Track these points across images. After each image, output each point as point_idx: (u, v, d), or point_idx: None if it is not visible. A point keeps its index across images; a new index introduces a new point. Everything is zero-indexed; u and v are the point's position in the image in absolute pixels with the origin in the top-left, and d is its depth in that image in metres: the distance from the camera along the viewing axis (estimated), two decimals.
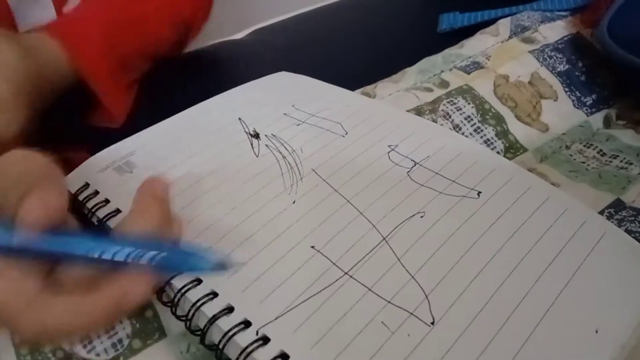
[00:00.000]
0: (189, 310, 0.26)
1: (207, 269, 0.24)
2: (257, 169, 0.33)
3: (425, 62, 0.44)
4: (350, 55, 0.51)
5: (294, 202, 0.30)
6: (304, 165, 0.33)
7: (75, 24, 0.42)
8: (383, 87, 0.42)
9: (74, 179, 0.32)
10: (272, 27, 0.62)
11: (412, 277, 0.26)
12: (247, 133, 0.36)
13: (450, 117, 0.38)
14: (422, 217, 0.29)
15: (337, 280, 0.26)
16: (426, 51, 0.45)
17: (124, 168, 0.33)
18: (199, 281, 0.27)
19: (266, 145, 0.35)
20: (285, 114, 0.37)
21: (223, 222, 0.30)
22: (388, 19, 0.58)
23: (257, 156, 0.34)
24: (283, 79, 0.42)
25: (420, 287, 0.26)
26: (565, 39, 0.44)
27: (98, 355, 0.27)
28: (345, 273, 0.27)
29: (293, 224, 0.29)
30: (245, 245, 0.28)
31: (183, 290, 0.26)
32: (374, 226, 0.29)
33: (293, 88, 0.40)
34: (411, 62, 0.45)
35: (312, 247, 0.28)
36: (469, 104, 0.39)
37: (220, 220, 0.30)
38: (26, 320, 0.22)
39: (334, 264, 0.27)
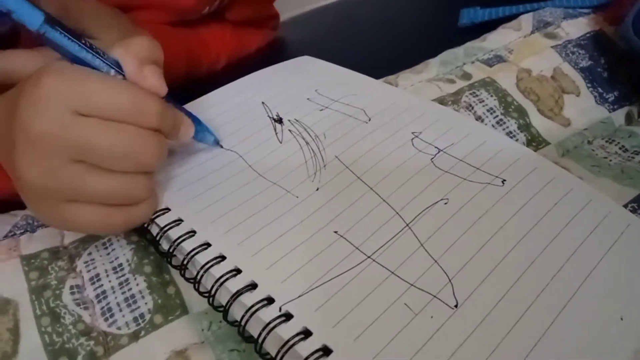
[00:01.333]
0: (212, 287, 0.26)
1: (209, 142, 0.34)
2: (281, 155, 0.33)
3: (447, 54, 0.44)
4: (371, 47, 0.51)
5: (317, 189, 0.30)
6: (327, 151, 0.33)
7: None
8: (405, 78, 0.42)
9: None
10: (294, 20, 0.62)
11: (436, 261, 0.26)
12: (270, 117, 0.36)
13: (472, 108, 0.38)
14: (445, 203, 0.29)
15: (360, 263, 0.26)
16: (446, 45, 0.45)
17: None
18: (223, 258, 0.27)
19: (289, 130, 0.35)
20: (308, 98, 0.37)
21: (247, 206, 0.30)
22: (407, 13, 0.58)
23: (281, 142, 0.34)
24: (306, 63, 0.42)
25: (444, 271, 0.26)
26: (587, 35, 0.44)
27: (119, 328, 0.27)
28: (368, 257, 0.27)
29: (316, 210, 0.29)
30: (269, 227, 0.28)
31: (206, 267, 0.26)
32: (397, 213, 0.29)
33: (316, 73, 0.40)
34: (431, 55, 0.44)
35: (335, 232, 0.28)
36: (491, 96, 0.39)
37: (244, 204, 0.30)
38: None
39: (356, 248, 0.27)
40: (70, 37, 0.27)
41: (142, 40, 0.28)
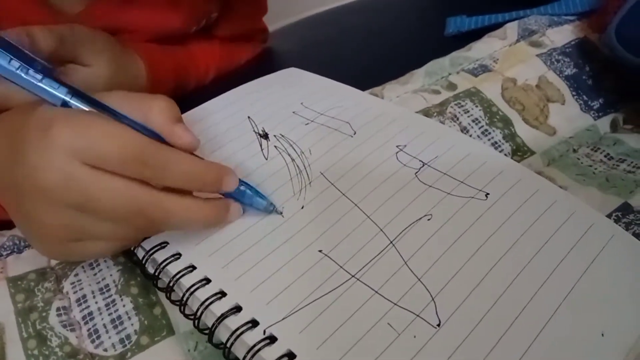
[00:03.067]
0: (198, 309, 0.26)
1: (260, 208, 0.30)
2: (266, 172, 0.33)
3: (433, 65, 0.44)
4: (357, 58, 0.52)
5: (302, 207, 0.31)
6: (312, 168, 0.33)
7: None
8: (390, 89, 0.42)
9: None
10: (281, 31, 0.62)
11: (419, 279, 0.26)
12: (256, 133, 0.36)
13: (457, 119, 0.38)
14: (429, 219, 0.29)
15: (344, 283, 0.26)
16: (433, 54, 0.45)
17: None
18: (208, 280, 0.27)
19: (275, 146, 0.35)
20: (294, 112, 0.37)
21: (231, 227, 0.30)
22: (395, 22, 0.58)
23: (267, 159, 0.34)
24: (292, 75, 0.42)
25: (427, 289, 0.26)
26: (572, 43, 0.44)
27: (105, 350, 0.28)
28: (352, 276, 0.27)
29: (301, 229, 0.29)
30: (253, 248, 0.28)
31: (192, 290, 0.27)
32: (381, 230, 0.29)
33: (302, 85, 0.40)
34: (418, 65, 0.45)
35: (320, 251, 0.28)
36: (476, 106, 0.39)
37: (229, 225, 0.30)
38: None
39: (341, 267, 0.27)
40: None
41: (162, 99, 0.28)
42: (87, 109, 0.26)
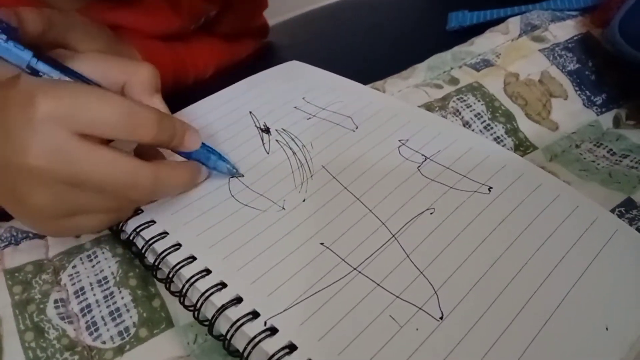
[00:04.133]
0: (198, 300, 0.25)
1: (223, 171, 0.32)
2: (268, 166, 0.33)
3: (435, 59, 0.44)
4: (359, 52, 0.51)
5: (304, 200, 0.30)
6: (314, 161, 0.33)
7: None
8: (392, 84, 0.42)
9: None
10: (282, 25, 0.62)
11: (422, 272, 0.26)
12: (257, 128, 0.35)
13: (460, 114, 0.38)
14: (431, 213, 0.29)
15: (345, 275, 0.26)
16: (435, 49, 0.45)
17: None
18: (208, 271, 0.27)
19: (277, 140, 0.34)
20: (295, 107, 0.37)
21: (233, 219, 0.29)
22: (397, 16, 0.57)
23: (268, 153, 0.34)
24: (294, 69, 0.42)
25: (430, 282, 0.26)
26: (575, 38, 0.44)
27: (104, 343, 0.27)
28: (354, 269, 0.26)
29: (303, 222, 0.29)
30: (255, 240, 0.28)
31: (192, 280, 0.26)
32: (383, 224, 0.29)
33: (304, 79, 0.40)
34: (420, 60, 0.44)
35: (322, 244, 0.28)
36: (478, 101, 0.39)
37: (229, 217, 0.30)
38: None
39: (343, 260, 0.27)
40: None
41: (147, 68, 0.29)
42: (58, 77, 0.26)
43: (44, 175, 0.25)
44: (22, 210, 0.28)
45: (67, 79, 0.27)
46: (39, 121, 0.24)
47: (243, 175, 0.32)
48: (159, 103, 0.29)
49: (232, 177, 0.32)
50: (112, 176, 0.26)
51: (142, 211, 0.30)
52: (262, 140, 0.35)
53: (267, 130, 0.35)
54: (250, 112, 0.37)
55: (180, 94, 0.41)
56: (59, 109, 0.24)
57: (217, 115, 0.37)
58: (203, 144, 0.31)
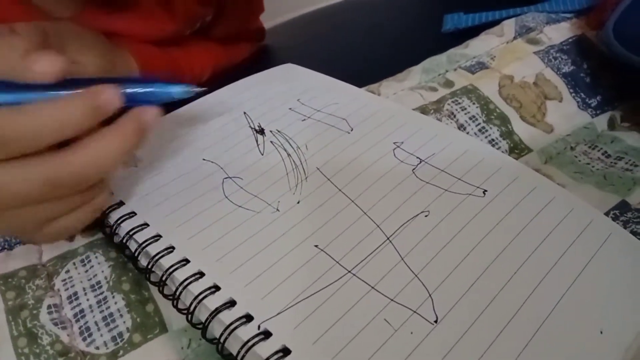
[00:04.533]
0: (191, 304, 0.25)
1: (181, 96, 0.28)
2: (262, 167, 0.33)
3: (430, 62, 0.44)
4: (353, 55, 0.51)
5: (298, 202, 0.30)
6: (308, 163, 0.33)
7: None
8: (387, 86, 0.42)
9: None
10: (277, 27, 0.62)
11: (416, 275, 0.26)
12: (252, 128, 0.35)
13: (455, 116, 0.38)
14: (426, 216, 0.29)
15: (340, 278, 0.26)
16: (430, 51, 0.45)
17: (129, 162, 0.33)
18: (201, 274, 0.26)
19: (271, 141, 0.34)
20: (290, 108, 0.37)
21: (226, 220, 0.29)
22: (392, 19, 0.57)
23: (262, 154, 0.34)
24: (289, 71, 0.42)
25: (424, 285, 0.26)
26: (570, 40, 0.44)
27: (97, 348, 0.27)
28: (349, 271, 0.26)
29: (297, 224, 0.29)
30: (249, 242, 0.28)
31: (185, 284, 0.26)
32: (378, 226, 0.28)
33: (299, 81, 0.40)
34: (415, 62, 0.44)
35: (316, 246, 0.28)
36: (473, 103, 0.39)
37: (223, 218, 0.29)
38: None
39: (337, 262, 0.27)
40: None
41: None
42: None
43: None
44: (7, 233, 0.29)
45: None
46: None
47: (205, 88, 0.29)
48: (33, 62, 0.24)
49: (194, 96, 0.29)
50: (37, 188, 0.24)
51: (136, 214, 0.30)
52: (257, 141, 0.34)
53: (261, 131, 0.35)
54: (245, 113, 0.37)
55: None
56: None
57: (211, 116, 0.37)
58: (127, 84, 0.27)
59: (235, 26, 0.54)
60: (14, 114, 0.23)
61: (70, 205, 0.27)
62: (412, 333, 0.24)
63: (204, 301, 0.25)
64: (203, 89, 0.29)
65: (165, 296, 0.27)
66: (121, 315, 0.28)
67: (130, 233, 0.29)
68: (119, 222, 0.30)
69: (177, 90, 0.28)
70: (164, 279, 0.27)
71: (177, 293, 0.26)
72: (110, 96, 0.25)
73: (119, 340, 0.27)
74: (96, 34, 0.38)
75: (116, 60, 0.40)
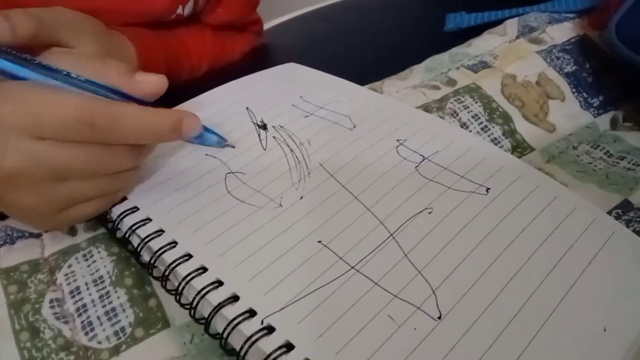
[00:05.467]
0: (194, 298, 0.25)
1: (212, 144, 0.33)
2: (265, 163, 0.33)
3: (433, 61, 0.44)
4: (356, 53, 0.51)
5: (301, 197, 0.30)
6: (311, 159, 0.33)
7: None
8: (390, 84, 0.42)
9: None
10: (279, 26, 0.62)
11: (419, 272, 0.26)
12: (254, 124, 0.35)
13: (457, 115, 0.38)
14: (430, 213, 0.29)
15: (343, 274, 0.26)
16: (432, 50, 0.45)
17: None
18: (204, 269, 0.26)
19: (274, 137, 0.34)
20: (293, 105, 0.37)
21: (229, 215, 0.29)
22: (394, 18, 0.58)
23: (265, 149, 0.34)
24: (291, 70, 0.42)
25: (428, 282, 0.26)
26: (572, 40, 0.44)
27: (99, 343, 0.27)
28: (352, 267, 0.26)
29: (300, 219, 0.29)
30: (251, 237, 0.28)
31: (188, 279, 0.26)
32: (381, 222, 0.28)
33: (301, 79, 0.40)
34: (417, 61, 0.44)
35: (319, 242, 0.28)
36: (476, 102, 0.39)
37: (226, 213, 0.29)
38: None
39: (340, 258, 0.27)
40: (18, 61, 0.26)
41: (116, 62, 0.29)
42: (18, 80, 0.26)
43: (26, 180, 0.25)
44: (18, 214, 0.29)
45: (31, 74, 0.26)
46: (3, 132, 0.24)
47: (234, 147, 0.33)
48: (142, 78, 0.28)
49: (224, 147, 0.33)
50: (91, 163, 0.26)
51: (139, 209, 0.30)
52: (259, 136, 0.34)
53: (264, 126, 0.35)
54: (247, 109, 0.37)
55: (176, 92, 0.41)
56: (17, 118, 0.25)
57: (213, 111, 0.37)
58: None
59: (230, 15, 0.53)
60: (120, 108, 0.26)
61: (100, 188, 0.28)
62: (415, 329, 0.24)
63: (207, 296, 0.25)
64: (233, 146, 0.34)
65: (168, 291, 0.27)
66: (123, 310, 0.28)
67: (133, 228, 0.29)
68: (121, 217, 0.30)
69: (212, 138, 0.33)
70: (166, 274, 0.27)
71: (180, 288, 0.26)
72: (193, 122, 0.30)
73: (121, 335, 0.27)
74: (90, 18, 0.37)
75: (114, 45, 0.39)
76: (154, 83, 0.28)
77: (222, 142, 0.33)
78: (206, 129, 0.32)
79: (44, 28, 0.30)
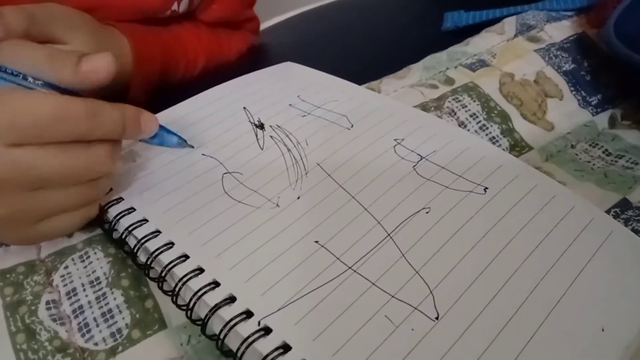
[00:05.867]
0: (190, 300, 0.25)
1: (172, 145, 0.33)
2: (262, 162, 0.32)
3: (430, 59, 0.44)
4: (354, 52, 0.51)
5: (298, 197, 0.30)
6: (309, 158, 0.33)
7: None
8: (388, 83, 0.41)
9: None
10: (276, 26, 0.61)
11: (417, 272, 0.26)
12: (251, 123, 0.35)
13: (455, 114, 0.38)
14: (427, 212, 0.29)
15: (340, 274, 0.26)
16: (430, 49, 0.45)
17: (127, 157, 0.33)
18: (201, 270, 0.26)
19: (271, 136, 0.34)
20: (290, 104, 0.37)
21: (226, 215, 0.29)
22: (392, 17, 0.57)
23: (262, 149, 0.33)
24: (288, 69, 0.42)
25: (425, 282, 0.25)
26: (570, 38, 0.44)
27: (96, 344, 0.27)
28: (349, 267, 0.26)
29: (297, 220, 0.29)
30: (248, 237, 0.28)
31: (184, 280, 0.26)
32: (378, 222, 0.28)
33: (299, 79, 0.40)
34: (415, 60, 0.44)
35: (316, 242, 0.27)
36: (474, 101, 0.39)
37: (223, 213, 0.29)
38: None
39: (337, 258, 0.27)
40: None
41: (65, 55, 0.28)
42: None
43: (2, 187, 0.25)
44: None
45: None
46: None
47: (193, 147, 0.33)
48: (89, 65, 0.27)
49: (184, 147, 0.33)
50: (69, 167, 0.26)
51: (135, 210, 0.30)
52: (256, 136, 0.34)
53: (261, 126, 0.35)
54: (245, 108, 0.37)
55: (173, 91, 0.41)
56: None
57: (210, 111, 0.37)
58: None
59: (226, 12, 0.53)
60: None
61: (76, 197, 0.28)
62: (413, 330, 0.24)
63: (204, 297, 0.25)
64: (192, 146, 0.33)
65: (165, 292, 0.27)
66: (120, 312, 0.28)
67: (130, 229, 0.29)
68: (118, 217, 0.30)
69: (172, 140, 0.33)
70: (163, 275, 0.27)
71: (177, 289, 0.26)
72: (150, 120, 0.30)
73: (117, 336, 0.27)
74: (83, 14, 0.37)
75: (108, 41, 0.39)
76: (103, 68, 0.27)
77: (183, 144, 0.33)
78: (165, 130, 0.32)
79: (36, 24, 0.30)
